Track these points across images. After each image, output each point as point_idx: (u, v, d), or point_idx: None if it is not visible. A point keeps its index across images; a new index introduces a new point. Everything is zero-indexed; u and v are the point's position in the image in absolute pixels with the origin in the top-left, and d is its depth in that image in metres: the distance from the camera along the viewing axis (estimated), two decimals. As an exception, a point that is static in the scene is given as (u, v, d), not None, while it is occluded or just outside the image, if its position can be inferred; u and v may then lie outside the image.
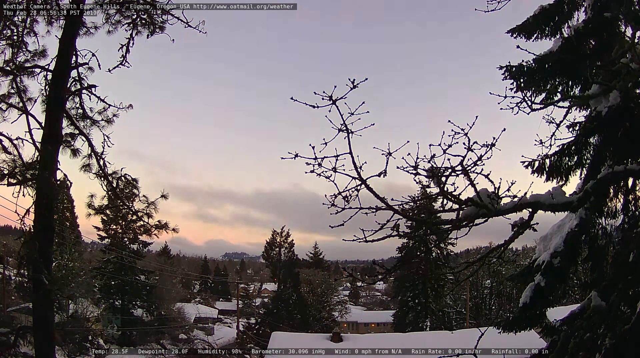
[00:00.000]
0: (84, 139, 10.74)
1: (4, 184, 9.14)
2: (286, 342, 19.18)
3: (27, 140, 9.77)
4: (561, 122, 7.14)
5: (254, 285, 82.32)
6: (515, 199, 4.01)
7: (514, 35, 7.44)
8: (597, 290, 6.21)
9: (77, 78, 10.49)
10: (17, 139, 9.61)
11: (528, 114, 5.15)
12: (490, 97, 5.02)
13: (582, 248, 6.84)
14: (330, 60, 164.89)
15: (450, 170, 3.90)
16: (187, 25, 10.49)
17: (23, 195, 9.28)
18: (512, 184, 3.92)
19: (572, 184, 7.14)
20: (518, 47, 5.48)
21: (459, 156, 3.85)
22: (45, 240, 9.51)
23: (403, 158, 3.80)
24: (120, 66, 10.64)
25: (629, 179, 6.33)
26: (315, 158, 3.84)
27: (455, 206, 3.98)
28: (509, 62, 6.85)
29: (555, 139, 7.12)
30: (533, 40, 7.47)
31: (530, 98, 6.20)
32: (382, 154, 3.77)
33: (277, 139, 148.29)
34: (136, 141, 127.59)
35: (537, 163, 7.20)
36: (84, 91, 10.67)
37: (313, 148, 3.78)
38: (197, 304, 55.51)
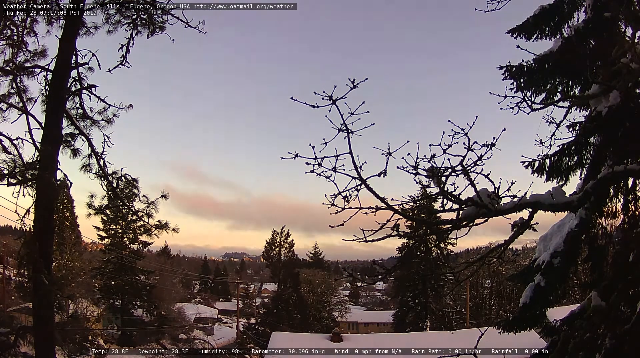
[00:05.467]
0: (84, 139, 10.73)
1: (4, 184, 9.15)
2: (286, 342, 19.18)
3: (27, 140, 9.77)
4: (561, 122, 7.16)
5: (254, 285, 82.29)
6: (515, 199, 4.01)
7: (514, 36, 7.44)
8: (597, 290, 6.22)
9: (77, 78, 10.46)
10: (17, 139, 9.61)
11: (528, 114, 5.15)
12: (490, 97, 5.03)
13: (582, 248, 6.84)
14: (330, 60, 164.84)
15: (450, 170, 3.90)
16: (187, 25, 10.47)
17: (23, 195, 9.30)
18: (512, 184, 3.93)
19: (572, 184, 7.16)
20: (518, 47, 5.48)
21: (459, 156, 3.86)
22: (45, 240, 9.49)
23: (403, 158, 3.81)
24: (120, 66, 10.62)
25: (629, 179, 6.33)
26: (315, 158, 3.84)
27: (455, 206, 3.98)
28: (509, 62, 6.86)
29: (555, 139, 7.14)
30: (533, 41, 7.47)
31: (530, 98, 6.21)
32: (382, 154, 3.78)
33: (278, 138, 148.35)
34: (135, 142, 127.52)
35: (537, 163, 7.20)
36: (84, 91, 10.65)
37: (313, 147, 3.78)
38: (197, 304, 55.52)
